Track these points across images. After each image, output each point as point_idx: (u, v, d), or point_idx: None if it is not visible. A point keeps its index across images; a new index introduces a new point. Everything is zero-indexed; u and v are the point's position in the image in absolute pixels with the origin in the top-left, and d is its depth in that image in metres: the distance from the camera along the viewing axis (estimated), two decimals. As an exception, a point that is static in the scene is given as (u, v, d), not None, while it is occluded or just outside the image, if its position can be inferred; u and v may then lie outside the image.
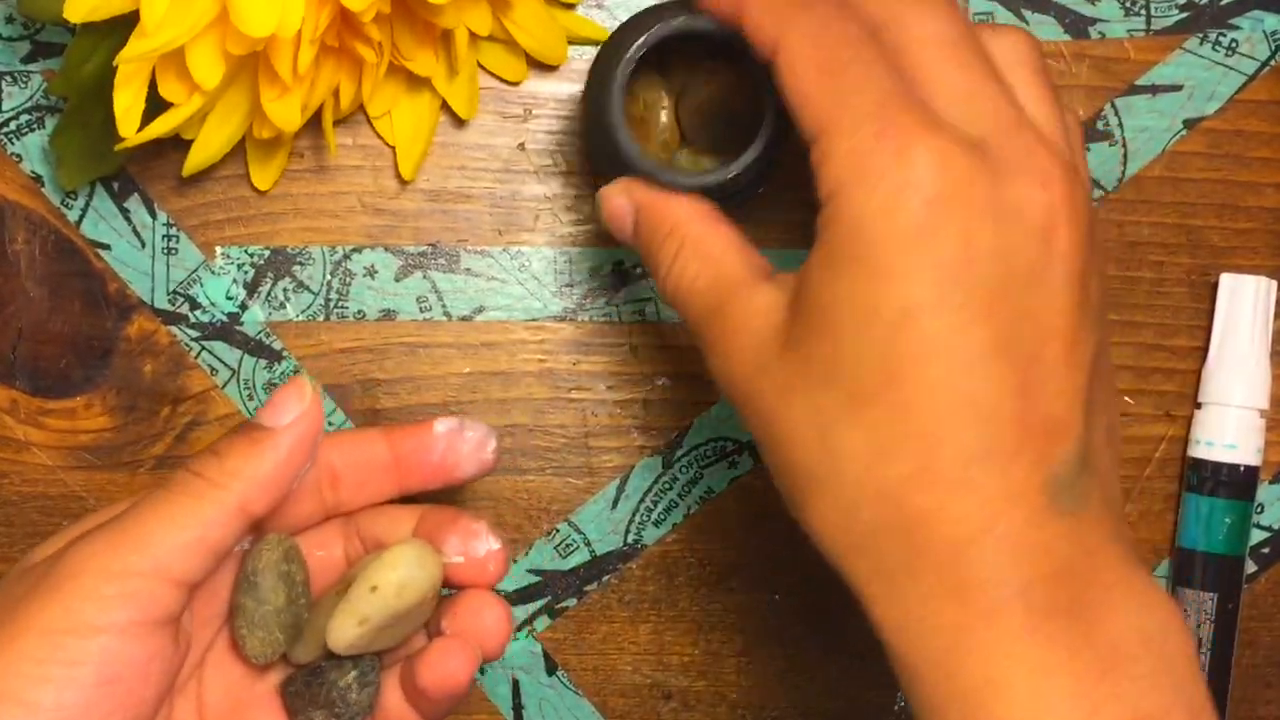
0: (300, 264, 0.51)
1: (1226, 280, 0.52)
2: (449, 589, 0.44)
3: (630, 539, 0.52)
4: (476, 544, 0.43)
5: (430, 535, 0.43)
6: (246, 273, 0.50)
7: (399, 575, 0.41)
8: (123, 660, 0.37)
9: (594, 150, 0.47)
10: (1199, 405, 0.52)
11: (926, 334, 0.33)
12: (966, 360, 0.34)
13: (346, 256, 0.51)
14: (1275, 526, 0.53)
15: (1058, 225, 0.35)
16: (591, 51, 0.51)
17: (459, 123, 0.51)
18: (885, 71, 0.35)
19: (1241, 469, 0.51)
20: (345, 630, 0.41)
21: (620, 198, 0.42)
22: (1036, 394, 0.34)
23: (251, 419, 0.41)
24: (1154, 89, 0.52)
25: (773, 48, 0.37)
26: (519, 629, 0.52)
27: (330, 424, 0.51)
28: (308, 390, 0.41)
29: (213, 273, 0.50)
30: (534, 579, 0.52)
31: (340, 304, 0.51)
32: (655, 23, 0.43)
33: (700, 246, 0.39)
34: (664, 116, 0.47)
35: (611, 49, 0.44)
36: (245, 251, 0.50)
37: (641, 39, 0.43)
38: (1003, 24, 0.39)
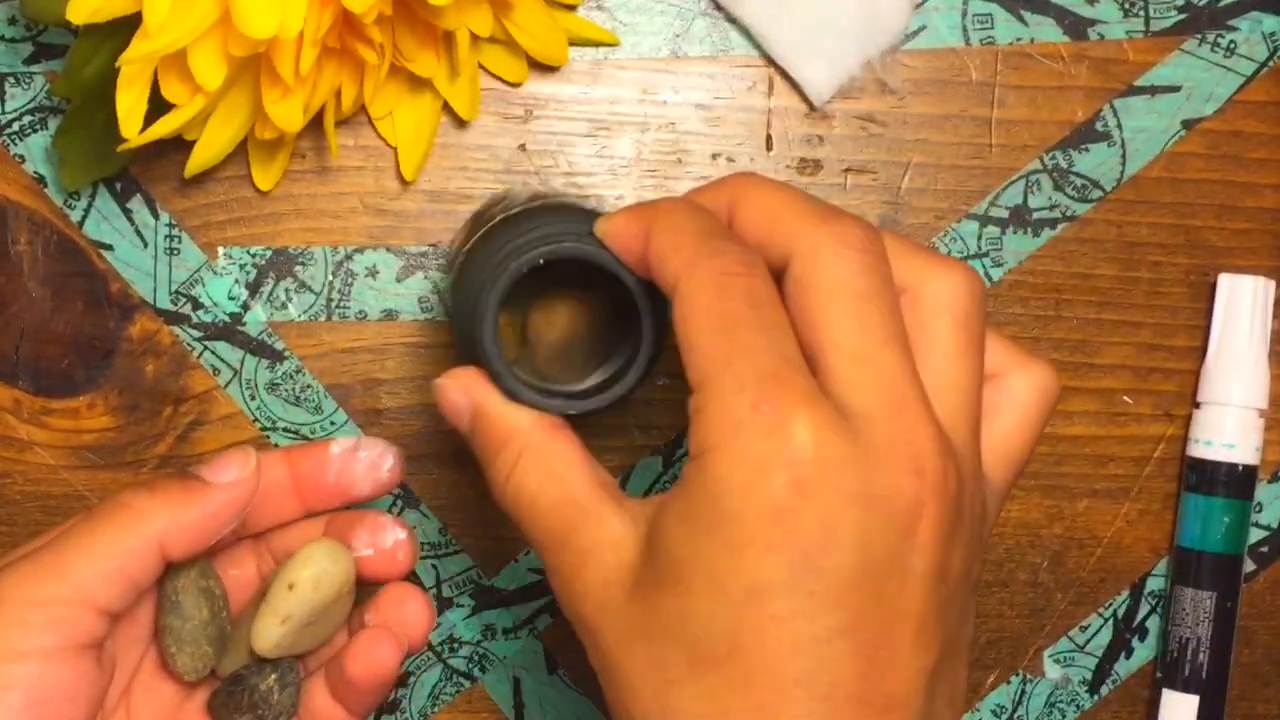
0: (302, 264, 0.51)
1: (1225, 280, 0.52)
2: (367, 584, 0.45)
3: (631, 538, 0.52)
4: (384, 535, 0.44)
5: (339, 534, 0.44)
6: (248, 273, 0.51)
7: (313, 570, 0.42)
8: (49, 684, 0.38)
9: (459, 337, 0.42)
10: (1198, 405, 0.52)
11: (773, 614, 0.33)
12: (812, 641, 0.33)
13: (348, 257, 0.51)
14: (1274, 525, 0.53)
15: (921, 517, 0.34)
16: (592, 52, 0.51)
17: (460, 124, 0.51)
18: (779, 338, 0.34)
19: (1240, 468, 0.51)
20: (269, 631, 0.42)
21: (457, 394, 0.39)
22: (879, 675, 0.33)
23: (191, 467, 0.42)
24: (1152, 90, 0.52)
25: (673, 286, 0.35)
26: (520, 627, 0.52)
27: (332, 424, 0.51)
28: (252, 460, 0.42)
29: (215, 273, 0.51)
30: (535, 578, 0.52)
31: (342, 304, 0.51)
32: (529, 242, 0.39)
33: (542, 460, 0.37)
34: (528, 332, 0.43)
35: (490, 243, 0.41)
36: (247, 252, 0.51)
37: (522, 261, 0.38)
38: (951, 260, 0.37)
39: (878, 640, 0.33)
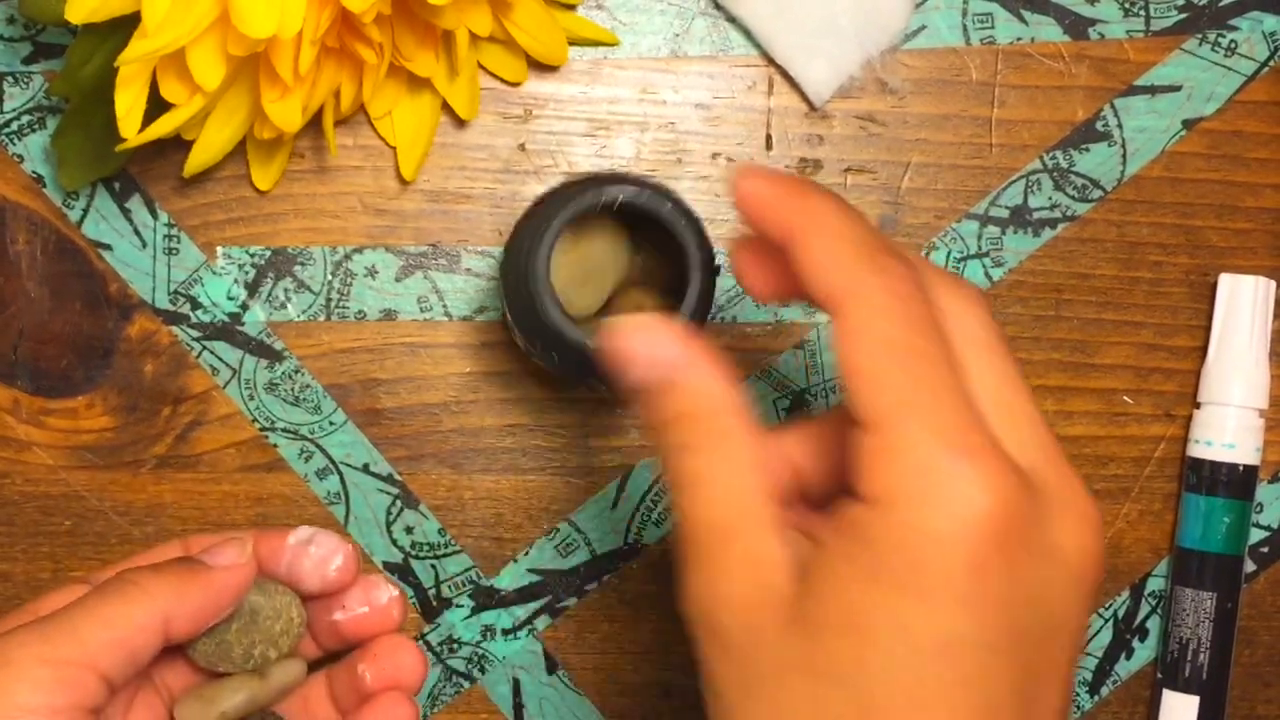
0: (301, 264, 0.51)
1: (1225, 280, 0.52)
2: (358, 642, 0.47)
3: (630, 538, 0.52)
4: (377, 594, 0.47)
5: (333, 594, 0.47)
6: (247, 273, 0.51)
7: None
8: None
9: (516, 310, 0.44)
10: (1198, 405, 0.52)
11: (961, 669, 0.32)
12: (989, 702, 0.32)
13: (347, 257, 0.51)
14: (1274, 526, 0.53)
15: (1089, 572, 0.34)
16: (592, 51, 0.51)
17: (460, 123, 0.51)
18: (953, 374, 0.33)
19: (1240, 468, 0.51)
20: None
21: (663, 341, 0.35)
22: None
23: (195, 555, 0.44)
24: (1153, 89, 0.52)
25: (836, 302, 0.33)
26: (520, 628, 0.52)
27: (331, 424, 0.51)
28: (248, 548, 0.44)
29: (214, 273, 0.51)
30: (534, 578, 0.52)
31: (341, 304, 0.51)
32: (581, 191, 0.42)
33: (729, 446, 0.35)
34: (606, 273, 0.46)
35: (539, 213, 0.44)
36: (246, 252, 0.51)
37: (572, 207, 0.41)
38: (959, 280, 0.36)
39: (1036, 698, 0.33)
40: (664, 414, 0.35)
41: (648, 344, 0.35)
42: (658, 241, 0.44)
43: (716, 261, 0.43)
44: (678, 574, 0.35)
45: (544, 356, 0.44)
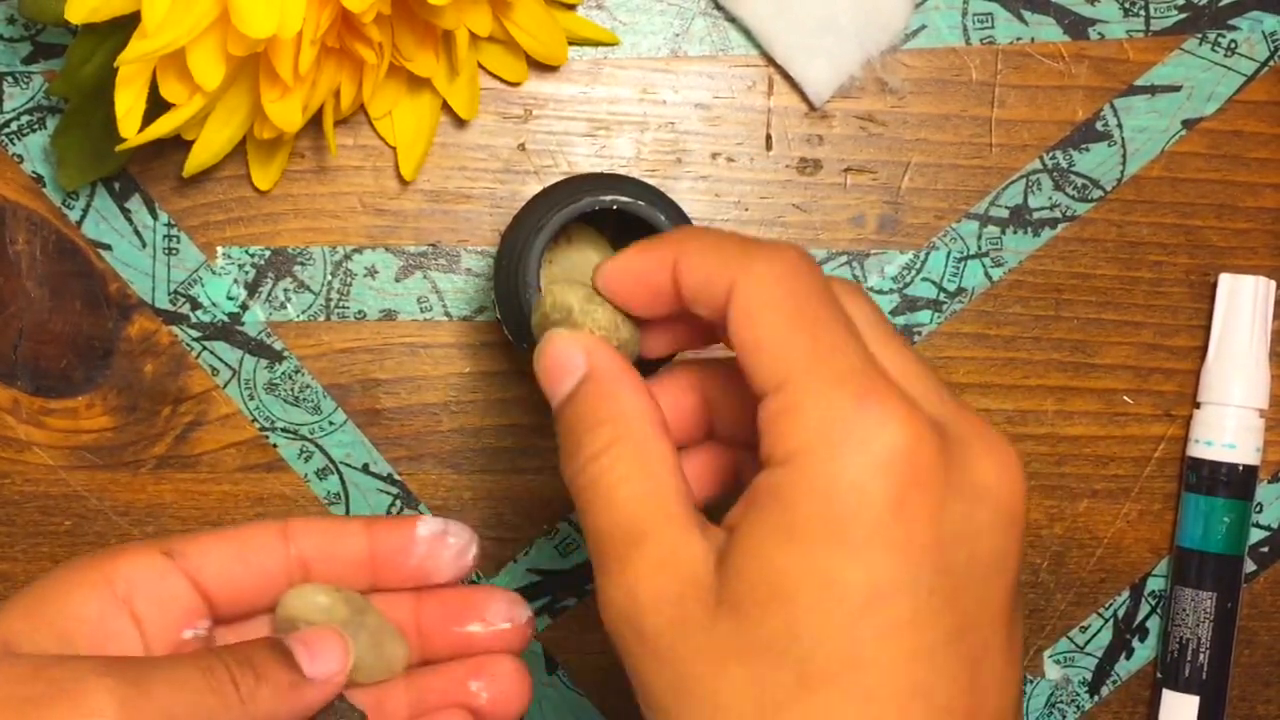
0: (301, 264, 0.51)
1: (1225, 280, 0.52)
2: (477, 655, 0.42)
3: (630, 538, 0.52)
4: (520, 611, 0.42)
5: (446, 614, 0.42)
6: (247, 273, 0.50)
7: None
8: None
9: (506, 313, 0.44)
10: (1198, 405, 0.52)
11: (894, 617, 0.31)
12: (929, 648, 0.31)
13: (347, 257, 0.51)
14: (1274, 526, 0.53)
15: (1016, 509, 0.33)
16: (592, 51, 0.51)
17: (460, 123, 0.51)
18: (850, 331, 0.33)
19: (1240, 468, 0.51)
20: None
21: (573, 351, 0.36)
22: (983, 689, 0.32)
23: (294, 660, 0.38)
24: (1153, 89, 0.52)
25: (726, 291, 0.33)
26: (519, 628, 0.52)
27: (331, 424, 0.51)
28: (350, 652, 0.39)
29: (214, 273, 0.50)
30: (534, 578, 0.52)
31: (341, 304, 0.51)
32: (574, 194, 0.42)
33: (640, 451, 0.34)
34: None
35: (527, 216, 0.44)
36: (246, 252, 0.51)
37: (564, 210, 0.41)
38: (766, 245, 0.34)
39: (981, 646, 0.32)
40: (576, 419, 0.35)
41: (556, 357, 0.36)
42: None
43: None
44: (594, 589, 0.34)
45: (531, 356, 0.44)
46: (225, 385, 0.51)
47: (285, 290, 0.51)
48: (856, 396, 0.31)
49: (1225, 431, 0.51)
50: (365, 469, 0.51)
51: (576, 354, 0.36)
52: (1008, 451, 0.33)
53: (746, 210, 0.51)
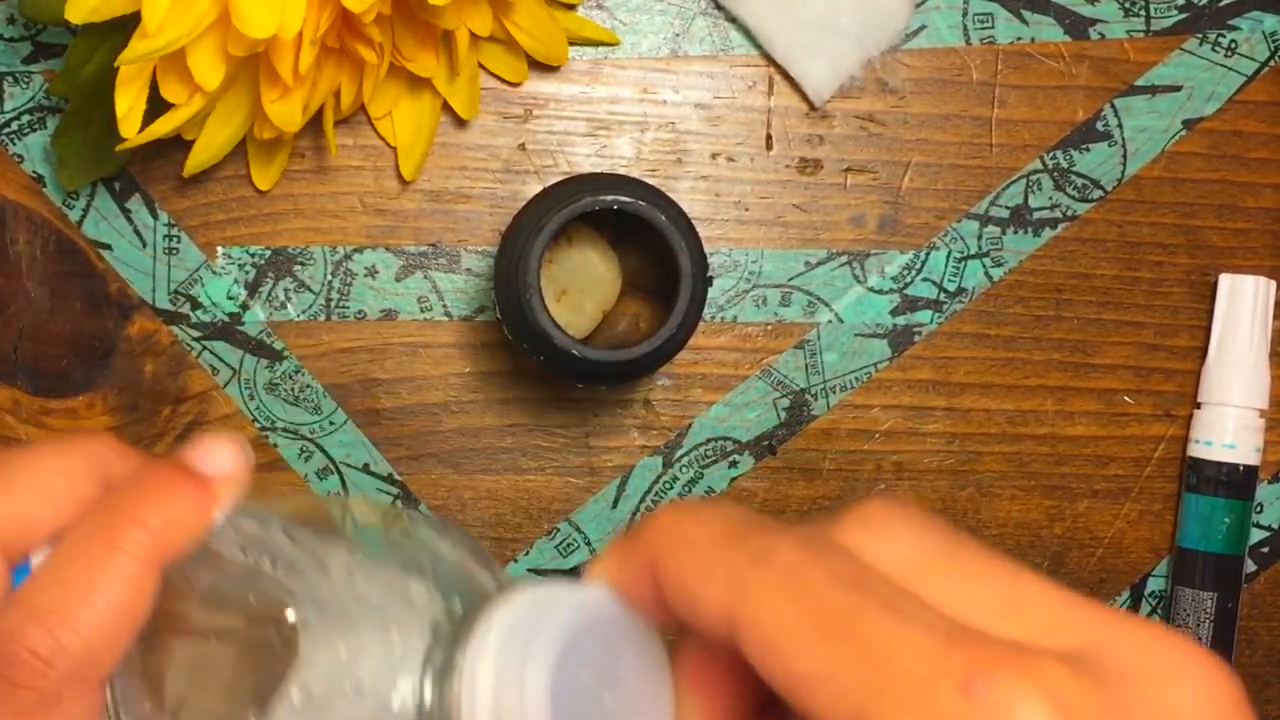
0: (301, 264, 0.51)
1: (1225, 280, 0.52)
2: None
3: (630, 538, 0.52)
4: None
5: None
6: (248, 273, 0.50)
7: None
8: None
9: (506, 312, 0.45)
10: (1198, 405, 0.52)
11: None
12: None
13: (347, 256, 0.51)
14: (1274, 526, 0.53)
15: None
16: (592, 51, 0.51)
17: (460, 123, 0.51)
18: (913, 602, 0.25)
19: (1241, 469, 0.51)
20: None
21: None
22: None
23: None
24: (1153, 89, 0.52)
25: (727, 621, 0.26)
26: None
27: (331, 424, 0.51)
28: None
29: (214, 273, 0.50)
30: (534, 578, 0.52)
31: (341, 304, 0.51)
32: (575, 194, 0.42)
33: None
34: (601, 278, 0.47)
35: (527, 216, 0.44)
36: (246, 252, 0.51)
37: (565, 210, 0.42)
38: (867, 507, 0.27)
39: None
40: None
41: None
42: (648, 241, 0.44)
43: (710, 273, 0.44)
44: None
45: (531, 356, 0.44)
46: (225, 385, 0.51)
47: (285, 290, 0.51)
48: (962, 685, 0.23)
49: (1225, 432, 0.51)
50: (365, 469, 0.51)
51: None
52: (1202, 662, 0.26)
53: (746, 210, 0.51)
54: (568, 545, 0.51)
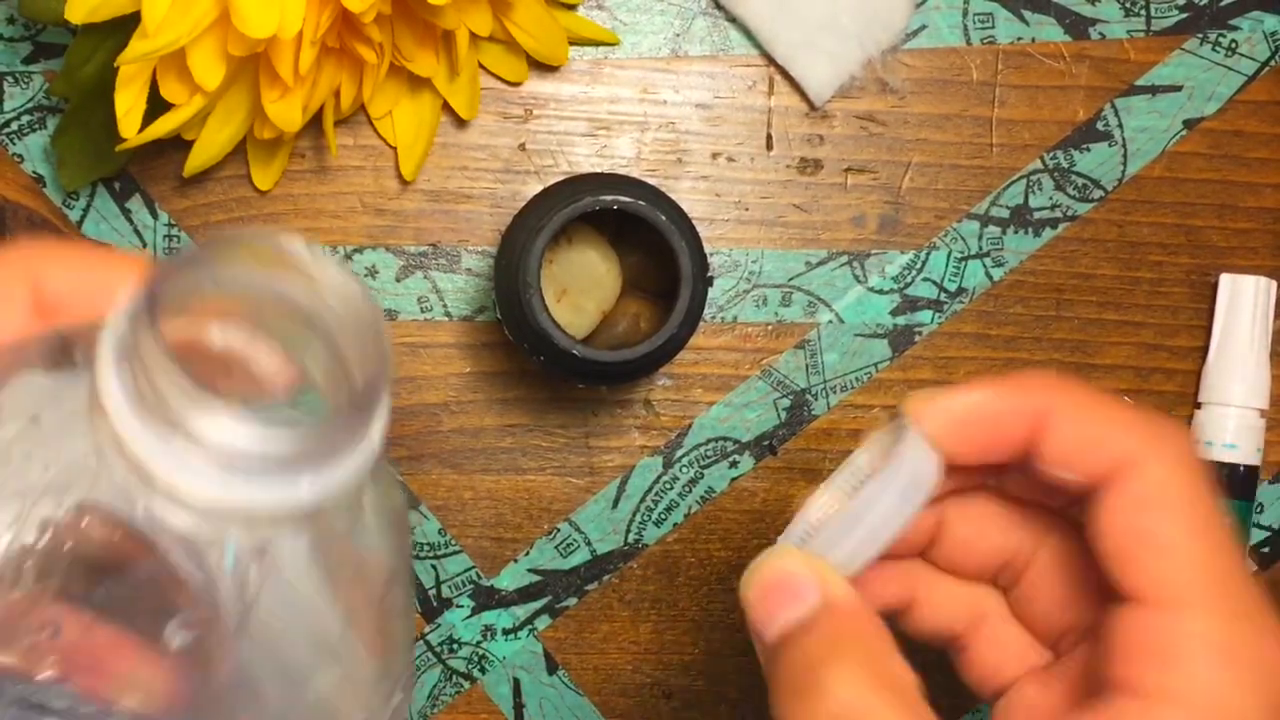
0: (301, 264, 0.51)
1: (1226, 280, 0.52)
2: None
3: (631, 539, 0.52)
4: None
5: None
6: (247, 273, 0.50)
7: None
8: None
9: (506, 312, 0.45)
10: (1199, 405, 0.52)
11: None
12: None
13: (348, 257, 0.51)
14: (1275, 526, 0.53)
15: None
16: (592, 51, 0.51)
17: (460, 123, 0.51)
18: (1241, 554, 0.31)
19: (1241, 469, 0.51)
20: None
21: (803, 576, 0.31)
22: None
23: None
24: (1154, 89, 0.52)
25: (1110, 468, 0.30)
26: (520, 628, 0.52)
27: (331, 424, 0.51)
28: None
29: (214, 273, 0.50)
30: (535, 578, 0.52)
31: (341, 304, 0.51)
32: (576, 194, 0.43)
33: (905, 707, 0.30)
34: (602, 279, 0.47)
35: (527, 216, 0.44)
36: (246, 252, 0.51)
37: (568, 209, 0.42)
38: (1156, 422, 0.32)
39: None
40: (806, 660, 0.30)
41: (778, 580, 0.31)
42: (648, 241, 0.44)
43: (710, 273, 0.44)
44: None
45: (531, 356, 0.44)
46: (225, 385, 0.51)
47: (285, 290, 0.51)
48: (1259, 633, 0.29)
49: (1226, 432, 0.51)
50: (365, 469, 0.51)
51: (808, 582, 0.31)
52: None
53: (747, 210, 0.51)
54: (568, 545, 0.51)
